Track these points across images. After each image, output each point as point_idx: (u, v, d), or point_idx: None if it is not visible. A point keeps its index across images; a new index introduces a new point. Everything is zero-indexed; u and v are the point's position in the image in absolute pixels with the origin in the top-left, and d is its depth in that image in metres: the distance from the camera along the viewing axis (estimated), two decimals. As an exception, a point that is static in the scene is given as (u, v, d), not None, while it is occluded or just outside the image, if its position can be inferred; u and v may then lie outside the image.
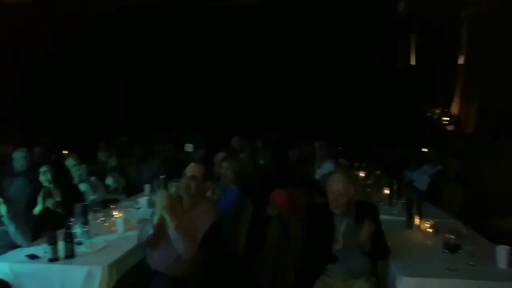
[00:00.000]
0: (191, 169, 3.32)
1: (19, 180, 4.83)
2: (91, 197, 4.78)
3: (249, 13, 11.83)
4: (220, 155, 4.95)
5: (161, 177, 4.91)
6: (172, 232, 2.99)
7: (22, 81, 10.74)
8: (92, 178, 5.16)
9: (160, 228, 3.04)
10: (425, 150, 6.21)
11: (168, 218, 2.98)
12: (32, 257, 3.01)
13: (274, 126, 10.97)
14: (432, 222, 3.57)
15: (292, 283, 3.43)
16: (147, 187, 5.19)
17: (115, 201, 4.76)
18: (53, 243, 2.93)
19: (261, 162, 7.20)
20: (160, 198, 3.05)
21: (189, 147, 8.64)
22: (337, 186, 2.94)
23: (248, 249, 3.93)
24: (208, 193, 3.76)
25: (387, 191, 4.69)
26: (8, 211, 3.20)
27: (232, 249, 3.80)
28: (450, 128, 9.92)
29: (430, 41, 10.53)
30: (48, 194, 4.01)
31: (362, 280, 2.91)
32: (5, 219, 3.20)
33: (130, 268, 3.18)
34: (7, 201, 3.29)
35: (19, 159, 5.45)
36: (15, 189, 4.66)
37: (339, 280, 2.94)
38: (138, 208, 4.43)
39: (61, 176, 4.17)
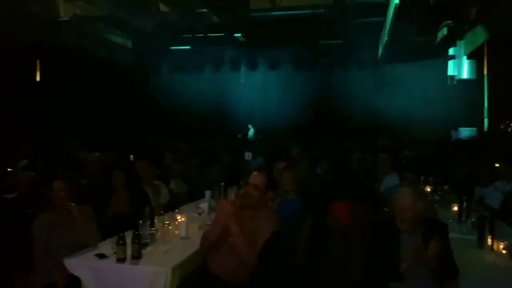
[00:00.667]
0: (254, 178, 3.33)
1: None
2: (155, 200, 4.95)
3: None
4: (281, 164, 4.95)
5: (221, 184, 5.00)
6: (234, 239, 3.03)
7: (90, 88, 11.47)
8: (157, 182, 5.37)
9: (222, 234, 3.08)
10: (498, 165, 5.80)
11: (231, 225, 3.02)
12: (101, 256, 3.17)
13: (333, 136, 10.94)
14: (506, 243, 3.33)
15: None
16: (208, 193, 5.30)
17: (177, 206, 4.92)
18: (121, 243, 3.08)
19: (319, 171, 7.11)
20: (224, 204, 3.11)
21: (248, 155, 8.75)
22: (404, 201, 2.84)
23: (308, 258, 3.90)
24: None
25: (455, 208, 4.46)
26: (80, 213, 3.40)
27: (292, 258, 3.79)
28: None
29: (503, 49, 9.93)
30: (119, 198, 4.22)
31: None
32: (78, 220, 3.40)
33: (191, 272, 3.26)
34: (79, 203, 3.51)
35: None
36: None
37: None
38: (200, 213, 4.53)
39: (131, 180, 4.36)
